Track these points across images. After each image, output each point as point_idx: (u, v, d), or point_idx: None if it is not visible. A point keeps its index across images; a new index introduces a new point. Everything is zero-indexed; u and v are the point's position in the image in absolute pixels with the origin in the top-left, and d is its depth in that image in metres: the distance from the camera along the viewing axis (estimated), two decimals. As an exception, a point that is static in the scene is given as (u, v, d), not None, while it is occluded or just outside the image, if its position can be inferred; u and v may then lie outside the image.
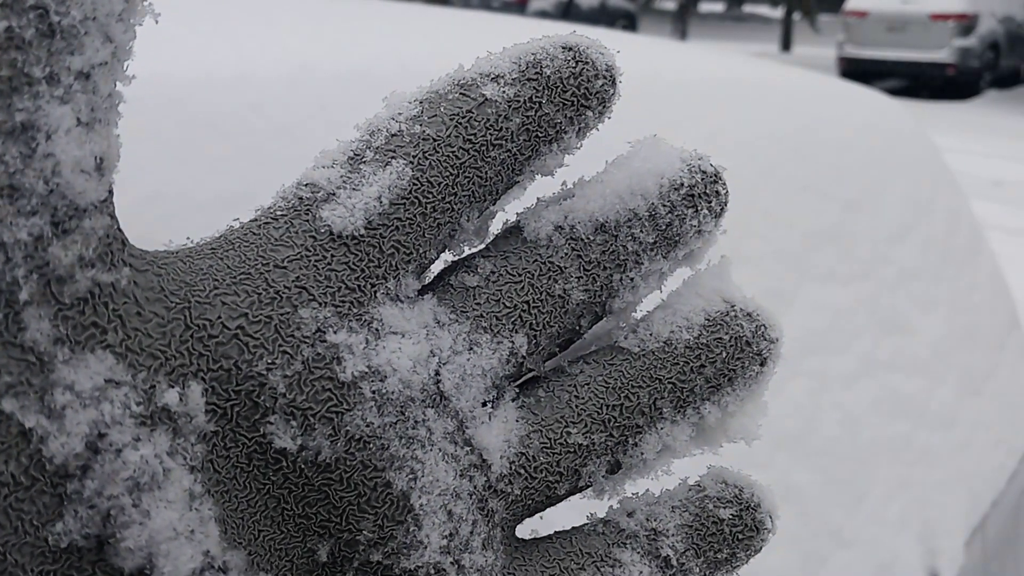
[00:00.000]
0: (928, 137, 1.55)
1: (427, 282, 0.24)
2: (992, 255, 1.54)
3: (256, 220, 0.22)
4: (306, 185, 0.23)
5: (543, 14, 12.74)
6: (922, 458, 1.13)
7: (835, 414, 1.03)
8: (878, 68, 10.92)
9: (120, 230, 0.20)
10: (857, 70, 10.66)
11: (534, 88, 0.24)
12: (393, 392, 0.22)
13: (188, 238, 0.23)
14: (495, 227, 0.25)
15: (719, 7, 25.94)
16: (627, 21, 15.09)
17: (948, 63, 10.69)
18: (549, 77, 0.24)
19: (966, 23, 10.90)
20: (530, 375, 0.25)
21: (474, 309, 0.24)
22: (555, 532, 0.25)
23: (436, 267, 0.25)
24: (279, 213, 0.22)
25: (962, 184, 1.60)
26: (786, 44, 15.79)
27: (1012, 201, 5.39)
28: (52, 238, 0.19)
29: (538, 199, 0.25)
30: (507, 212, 0.25)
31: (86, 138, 0.19)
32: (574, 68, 0.24)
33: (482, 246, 0.25)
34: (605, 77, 0.24)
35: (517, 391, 0.24)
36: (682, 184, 0.25)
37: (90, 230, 0.19)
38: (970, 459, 1.21)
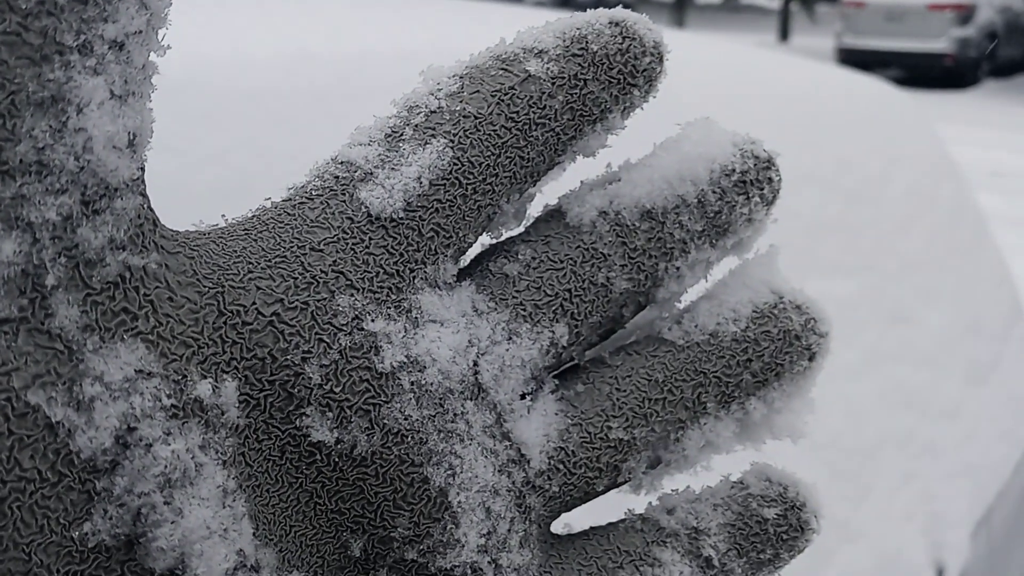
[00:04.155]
0: (931, 127, 1.54)
1: (464, 266, 0.23)
2: (995, 246, 1.53)
3: (290, 200, 0.21)
4: (342, 163, 0.22)
5: (540, 3, 12.73)
6: (927, 450, 1.12)
7: (840, 406, 1.02)
8: (876, 58, 10.91)
9: (151, 210, 0.19)
10: (855, 60, 10.65)
11: (579, 64, 0.23)
12: (432, 383, 0.21)
13: (223, 215, 0.22)
14: (533, 209, 0.24)
15: (716, -2, 25.89)
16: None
17: (946, 53, 10.68)
18: (595, 53, 0.23)
19: (964, 13, 10.89)
20: (569, 365, 0.24)
21: (514, 297, 0.23)
22: (591, 528, 0.24)
23: (473, 250, 0.24)
24: (315, 193, 0.21)
25: (965, 174, 1.59)
26: (784, 34, 15.78)
27: (1011, 192, 5.38)
28: (82, 218, 0.18)
29: (582, 182, 0.24)
30: (544, 194, 0.24)
31: (119, 112, 0.18)
32: (621, 44, 0.23)
33: (521, 229, 0.24)
34: (653, 54, 0.23)
35: (556, 383, 0.23)
36: (734, 170, 0.24)
37: (121, 210, 0.18)
38: (975, 451, 1.20)
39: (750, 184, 0.24)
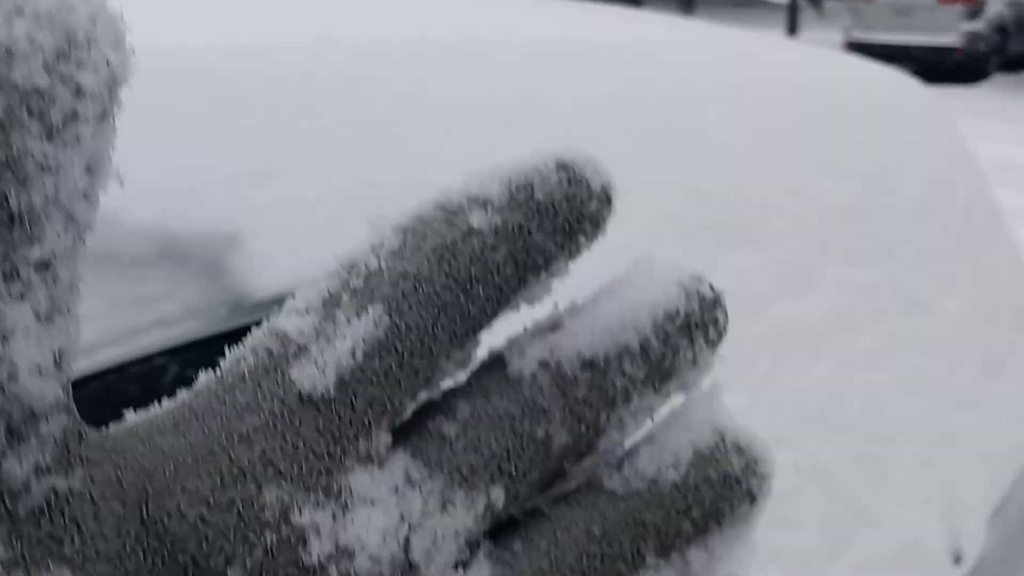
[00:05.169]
0: (948, 115, 1.53)
1: (404, 420, 0.23)
2: (1010, 235, 1.53)
3: (223, 380, 0.21)
4: (276, 335, 0.21)
5: None
6: (945, 437, 1.13)
7: (859, 393, 1.02)
8: (885, 53, 10.86)
9: (77, 420, 0.19)
10: (865, 55, 10.61)
11: (523, 214, 0.22)
12: (362, 570, 0.20)
13: (164, 400, 0.21)
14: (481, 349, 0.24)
15: (724, -8, 25.81)
16: (631, 6, 15.02)
17: (956, 47, 10.64)
18: (540, 202, 0.22)
19: (973, 7, 10.85)
20: (507, 518, 0.23)
21: (449, 460, 0.22)
22: None
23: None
24: (247, 372, 0.21)
25: (979, 164, 1.59)
26: (792, 29, 15.74)
27: (1022, 186, 5.36)
28: (7, 449, 0.17)
29: (524, 328, 0.24)
30: (491, 328, 0.24)
31: (44, 334, 0.17)
32: (567, 190, 0.22)
33: (463, 378, 0.23)
34: (600, 199, 0.23)
35: (492, 543, 0.23)
36: (678, 312, 0.23)
37: (47, 435, 0.18)
38: (992, 438, 1.21)
39: (695, 327, 0.23)
